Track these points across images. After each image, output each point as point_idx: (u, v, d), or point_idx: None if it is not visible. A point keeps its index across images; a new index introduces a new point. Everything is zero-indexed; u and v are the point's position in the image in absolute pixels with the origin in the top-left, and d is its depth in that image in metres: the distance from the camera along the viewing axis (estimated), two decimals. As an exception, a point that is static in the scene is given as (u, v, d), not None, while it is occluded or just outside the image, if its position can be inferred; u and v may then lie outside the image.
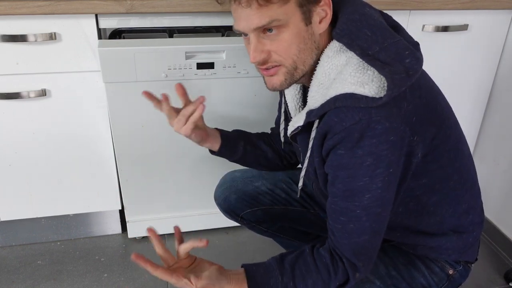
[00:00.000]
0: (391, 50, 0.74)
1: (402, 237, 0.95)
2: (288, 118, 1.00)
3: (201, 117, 1.01)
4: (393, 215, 0.84)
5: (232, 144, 1.10)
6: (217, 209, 1.62)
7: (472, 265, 1.01)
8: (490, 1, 1.42)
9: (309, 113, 0.82)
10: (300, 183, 0.95)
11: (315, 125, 0.82)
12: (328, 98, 0.77)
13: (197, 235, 1.63)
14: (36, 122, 1.31)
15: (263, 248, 1.61)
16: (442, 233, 0.93)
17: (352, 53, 0.76)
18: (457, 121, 0.90)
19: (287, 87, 0.86)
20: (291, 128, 0.90)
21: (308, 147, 0.85)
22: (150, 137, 1.37)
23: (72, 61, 1.25)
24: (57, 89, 1.28)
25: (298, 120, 0.87)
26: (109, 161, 1.43)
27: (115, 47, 1.19)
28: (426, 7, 1.38)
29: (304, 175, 0.92)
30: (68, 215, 1.56)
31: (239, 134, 1.13)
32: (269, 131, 1.20)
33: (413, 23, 1.42)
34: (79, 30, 1.21)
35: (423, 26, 1.43)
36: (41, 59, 1.22)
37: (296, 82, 0.85)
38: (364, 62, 0.74)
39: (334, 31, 0.79)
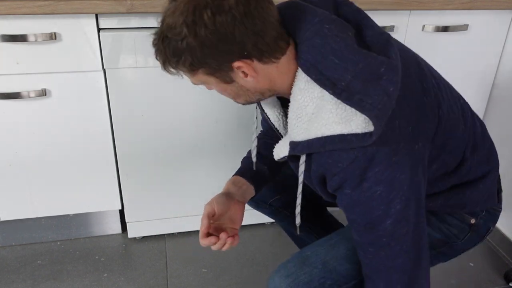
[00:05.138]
0: (365, 73, 0.68)
1: None
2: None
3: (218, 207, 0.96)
4: None
5: (262, 183, 1.07)
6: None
7: (500, 208, 0.96)
8: (490, 1, 1.42)
9: (293, 146, 0.80)
10: (297, 220, 0.92)
11: (303, 159, 0.80)
12: (313, 137, 0.75)
13: (198, 235, 1.62)
14: (36, 122, 1.31)
15: (263, 248, 1.61)
16: (444, 190, 0.90)
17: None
18: (448, 96, 0.84)
19: (251, 103, 0.85)
20: (276, 156, 0.89)
21: (298, 175, 0.83)
22: (150, 129, 1.38)
23: (72, 61, 1.24)
24: (57, 89, 1.28)
25: (282, 149, 0.85)
26: (109, 161, 1.43)
27: (116, 32, 1.22)
28: (426, 7, 1.38)
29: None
30: (68, 215, 1.56)
31: (260, 170, 1.07)
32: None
33: (413, 23, 1.42)
34: (79, 30, 1.21)
35: (423, 26, 1.43)
36: (41, 59, 1.22)
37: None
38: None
39: (299, 61, 0.74)
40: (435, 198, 0.90)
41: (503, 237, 1.61)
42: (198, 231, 1.76)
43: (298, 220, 0.91)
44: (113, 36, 1.23)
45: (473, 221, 0.93)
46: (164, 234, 1.63)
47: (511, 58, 1.55)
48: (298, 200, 0.88)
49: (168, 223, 1.59)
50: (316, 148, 0.75)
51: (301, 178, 0.83)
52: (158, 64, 1.28)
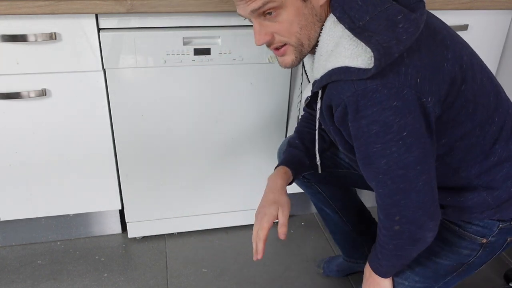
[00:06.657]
0: (381, 18, 0.75)
1: None
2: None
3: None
4: None
5: (301, 170, 1.10)
6: (217, 209, 1.62)
7: None
8: (490, 1, 1.42)
9: (314, 84, 0.85)
10: (317, 158, 0.98)
11: (319, 95, 0.86)
12: (326, 70, 0.80)
13: (198, 235, 1.63)
14: (36, 122, 1.31)
15: (263, 248, 1.61)
16: (471, 188, 0.90)
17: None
18: (476, 74, 0.85)
19: (299, 63, 0.89)
20: (303, 99, 0.94)
21: (316, 111, 0.90)
22: (150, 129, 1.38)
23: (72, 61, 1.24)
24: (57, 89, 1.28)
25: (307, 90, 0.91)
26: (109, 161, 1.43)
27: (116, 32, 1.22)
28: (426, 7, 1.37)
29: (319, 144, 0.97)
30: (68, 215, 1.56)
31: (301, 156, 1.10)
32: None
33: (413, 23, 1.42)
34: (79, 30, 1.21)
35: (423, 26, 1.43)
36: (41, 59, 1.22)
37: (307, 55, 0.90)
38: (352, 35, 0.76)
39: (332, 1, 0.81)
40: (462, 193, 0.90)
41: (503, 237, 1.61)
42: (198, 231, 1.76)
43: (318, 158, 0.98)
44: (113, 36, 1.23)
45: (484, 240, 0.93)
46: (164, 234, 1.63)
47: (511, 58, 1.55)
48: (316, 137, 0.96)
49: (168, 223, 1.59)
50: (325, 80, 0.80)
51: (317, 115, 0.89)
52: (158, 64, 1.29)
